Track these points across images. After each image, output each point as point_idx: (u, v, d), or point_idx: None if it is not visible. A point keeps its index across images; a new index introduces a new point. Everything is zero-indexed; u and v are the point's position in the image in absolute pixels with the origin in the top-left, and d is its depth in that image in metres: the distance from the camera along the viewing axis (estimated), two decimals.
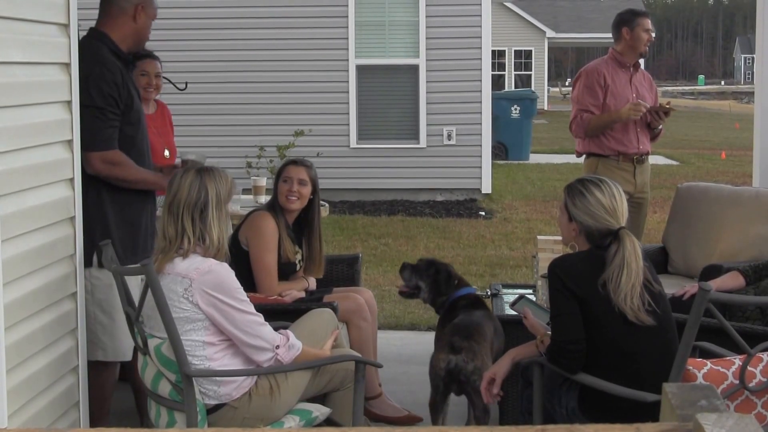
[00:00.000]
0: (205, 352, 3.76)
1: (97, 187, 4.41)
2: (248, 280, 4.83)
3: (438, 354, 4.48)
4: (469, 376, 4.39)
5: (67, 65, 4.08)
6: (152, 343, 3.81)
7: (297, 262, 5.16)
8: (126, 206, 4.52)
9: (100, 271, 4.38)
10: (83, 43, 4.35)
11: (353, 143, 13.46)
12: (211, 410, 3.80)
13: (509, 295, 5.25)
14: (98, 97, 4.35)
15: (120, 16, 4.54)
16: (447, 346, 4.43)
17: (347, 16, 13.31)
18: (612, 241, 3.81)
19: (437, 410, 4.56)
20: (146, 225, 4.60)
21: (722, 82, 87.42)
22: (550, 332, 3.94)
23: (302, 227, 5.19)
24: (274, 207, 5.07)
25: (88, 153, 4.31)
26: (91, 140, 4.30)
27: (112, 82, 4.39)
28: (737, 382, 3.40)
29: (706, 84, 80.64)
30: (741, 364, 3.42)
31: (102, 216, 4.43)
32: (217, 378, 3.78)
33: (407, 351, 6.39)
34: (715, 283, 4.57)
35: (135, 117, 4.51)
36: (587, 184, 3.91)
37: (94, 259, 4.38)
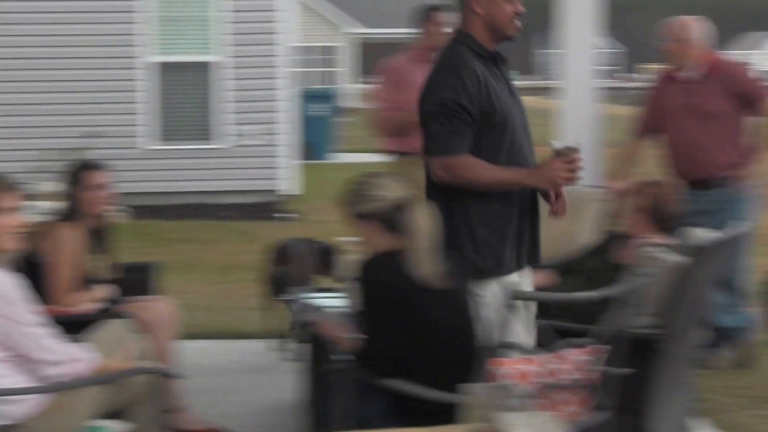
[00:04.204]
0: None
1: (447, 196, 4.15)
2: (43, 291, 4.67)
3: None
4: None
5: None
6: None
7: (97, 270, 5.11)
8: (487, 211, 4.18)
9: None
10: (446, 46, 4.26)
11: (146, 145, 12.99)
12: None
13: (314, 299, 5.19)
14: (438, 104, 4.12)
15: (465, 13, 4.26)
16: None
17: (133, 11, 12.74)
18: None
19: None
20: (514, 231, 4.23)
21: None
22: (348, 333, 3.92)
23: (98, 232, 5.16)
24: (74, 216, 5.00)
25: (429, 159, 4.17)
26: (429, 146, 4.16)
27: (461, 89, 4.11)
28: (541, 380, 3.41)
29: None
30: (545, 361, 3.45)
31: (467, 224, 4.16)
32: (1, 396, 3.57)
33: (213, 361, 6.27)
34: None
35: (499, 120, 4.18)
36: (349, 184, 4.02)
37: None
